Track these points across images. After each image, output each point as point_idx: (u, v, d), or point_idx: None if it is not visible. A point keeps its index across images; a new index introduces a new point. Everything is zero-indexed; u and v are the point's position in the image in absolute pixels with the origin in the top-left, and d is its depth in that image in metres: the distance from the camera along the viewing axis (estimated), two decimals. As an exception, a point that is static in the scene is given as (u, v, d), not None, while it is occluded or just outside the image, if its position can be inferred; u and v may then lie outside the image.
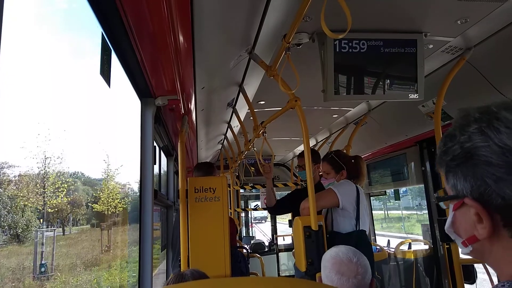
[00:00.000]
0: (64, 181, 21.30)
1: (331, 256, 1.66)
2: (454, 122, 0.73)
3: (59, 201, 21.49)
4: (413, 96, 2.47)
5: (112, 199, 23.58)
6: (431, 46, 2.51)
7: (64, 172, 21.88)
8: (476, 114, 0.68)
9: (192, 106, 2.83)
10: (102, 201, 23.44)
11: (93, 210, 24.19)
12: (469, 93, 2.89)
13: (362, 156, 5.04)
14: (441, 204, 0.79)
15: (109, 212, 23.41)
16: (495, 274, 0.71)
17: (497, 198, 0.64)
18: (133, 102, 2.36)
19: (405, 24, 2.27)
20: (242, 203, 8.26)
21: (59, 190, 21.04)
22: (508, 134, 0.63)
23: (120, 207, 24.06)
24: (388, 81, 2.43)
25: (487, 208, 0.65)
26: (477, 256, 0.73)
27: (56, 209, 22.28)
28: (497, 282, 0.66)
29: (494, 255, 0.68)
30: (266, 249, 7.25)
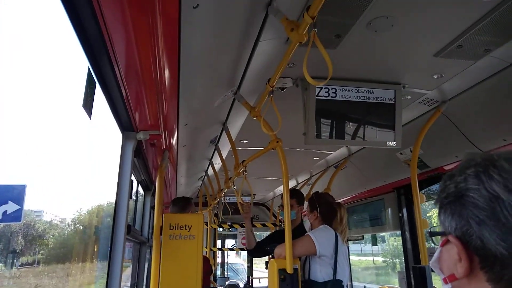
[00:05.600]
0: None
1: None
2: (460, 163, 0.76)
3: None
4: (391, 143, 2.54)
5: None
6: (409, 97, 2.62)
7: None
8: (479, 159, 0.72)
9: (174, 142, 2.83)
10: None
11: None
12: (444, 143, 2.99)
13: (341, 200, 5.09)
14: (434, 239, 0.81)
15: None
16: None
17: (476, 240, 0.66)
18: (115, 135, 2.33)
19: (385, 75, 2.37)
20: (219, 242, 8.07)
21: None
22: (498, 181, 0.65)
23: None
24: (368, 128, 2.50)
25: (467, 249, 0.68)
26: None
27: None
28: None
29: None
30: (241, 292, 7.02)
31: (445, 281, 0.74)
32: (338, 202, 2.96)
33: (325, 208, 2.80)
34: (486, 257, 0.65)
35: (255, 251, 3.66)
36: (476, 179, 0.68)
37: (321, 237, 2.57)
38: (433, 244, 2.99)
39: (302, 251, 2.55)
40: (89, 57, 1.34)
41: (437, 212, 0.81)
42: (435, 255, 0.78)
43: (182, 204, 3.33)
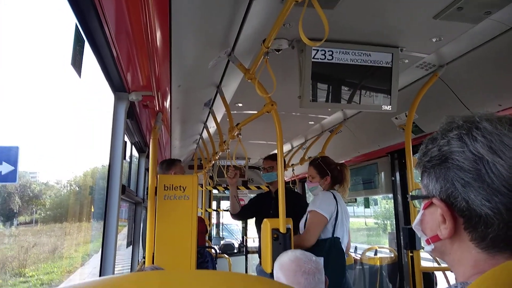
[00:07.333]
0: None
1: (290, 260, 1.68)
2: (439, 126, 0.76)
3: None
4: (387, 108, 2.53)
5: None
6: (406, 61, 2.57)
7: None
8: (460, 121, 0.72)
9: (167, 104, 2.80)
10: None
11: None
12: (439, 108, 2.98)
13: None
14: (414, 202, 0.82)
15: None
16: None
17: (461, 202, 0.67)
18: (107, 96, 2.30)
19: (383, 38, 2.32)
20: (214, 203, 8.21)
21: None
22: (483, 143, 0.66)
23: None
24: (364, 91, 2.47)
25: (452, 210, 0.69)
26: (438, 254, 0.77)
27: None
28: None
29: (453, 255, 0.72)
30: (236, 250, 7.24)
31: (428, 242, 0.77)
32: (341, 163, 3.07)
33: (336, 172, 2.99)
34: (471, 218, 0.67)
35: (238, 216, 3.84)
36: (460, 142, 0.69)
37: (324, 206, 2.77)
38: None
39: (319, 229, 2.74)
40: (76, 12, 1.29)
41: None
42: (418, 217, 0.79)
43: (165, 165, 3.41)
